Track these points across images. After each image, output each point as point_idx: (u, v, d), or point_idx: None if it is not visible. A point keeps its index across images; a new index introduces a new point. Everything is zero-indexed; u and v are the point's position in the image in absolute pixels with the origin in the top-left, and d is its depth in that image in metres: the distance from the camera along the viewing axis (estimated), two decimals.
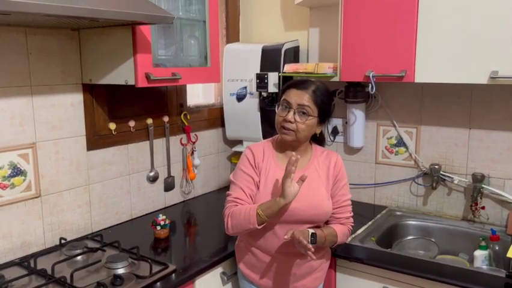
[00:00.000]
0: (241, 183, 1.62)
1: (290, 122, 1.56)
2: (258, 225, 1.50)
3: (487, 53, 1.73)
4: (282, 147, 1.67)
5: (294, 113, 1.56)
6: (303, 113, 1.56)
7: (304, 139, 1.62)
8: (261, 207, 1.50)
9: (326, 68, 2.10)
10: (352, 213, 1.71)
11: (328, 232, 1.60)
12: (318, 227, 1.65)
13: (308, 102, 1.56)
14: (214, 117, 2.61)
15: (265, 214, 1.49)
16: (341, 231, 1.65)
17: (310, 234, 1.51)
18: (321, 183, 1.64)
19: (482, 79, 1.74)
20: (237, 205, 1.58)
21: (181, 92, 2.37)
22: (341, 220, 1.67)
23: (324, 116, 1.61)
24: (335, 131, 2.48)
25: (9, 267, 1.62)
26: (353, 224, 1.72)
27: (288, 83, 1.66)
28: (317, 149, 1.70)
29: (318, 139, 1.71)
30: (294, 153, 1.49)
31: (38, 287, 1.45)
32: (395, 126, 2.31)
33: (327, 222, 1.69)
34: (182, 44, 1.98)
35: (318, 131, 1.64)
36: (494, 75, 1.70)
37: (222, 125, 2.60)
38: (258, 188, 1.62)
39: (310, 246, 1.44)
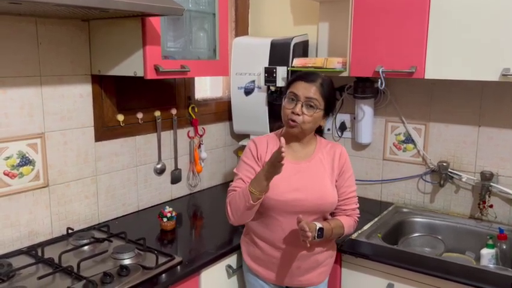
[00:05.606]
0: (242, 173, 1.64)
1: (298, 114, 1.56)
2: (254, 202, 1.50)
3: (498, 50, 1.71)
4: (286, 139, 1.67)
5: (302, 106, 1.56)
6: (311, 106, 1.57)
7: (309, 131, 1.63)
8: (252, 185, 1.51)
9: (335, 63, 2.09)
10: (358, 205, 1.71)
11: (335, 224, 1.61)
12: (324, 218, 1.66)
13: (315, 95, 1.56)
14: (222, 110, 2.61)
15: (257, 190, 1.50)
16: (347, 222, 1.65)
17: (317, 228, 1.51)
18: (326, 174, 1.64)
19: (494, 76, 1.72)
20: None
21: (189, 84, 2.37)
22: (347, 212, 1.67)
23: (329, 109, 1.63)
24: (342, 127, 2.47)
25: (17, 255, 1.63)
26: (359, 215, 1.71)
27: (295, 75, 1.66)
28: (322, 140, 1.72)
29: (317, 130, 1.71)
30: (283, 141, 1.44)
31: (46, 275, 1.46)
32: (403, 122, 2.29)
33: (333, 214, 1.69)
34: (192, 37, 1.98)
35: (322, 124, 1.66)
36: (505, 73, 1.68)
37: (230, 118, 2.60)
38: None
39: (309, 234, 1.45)
